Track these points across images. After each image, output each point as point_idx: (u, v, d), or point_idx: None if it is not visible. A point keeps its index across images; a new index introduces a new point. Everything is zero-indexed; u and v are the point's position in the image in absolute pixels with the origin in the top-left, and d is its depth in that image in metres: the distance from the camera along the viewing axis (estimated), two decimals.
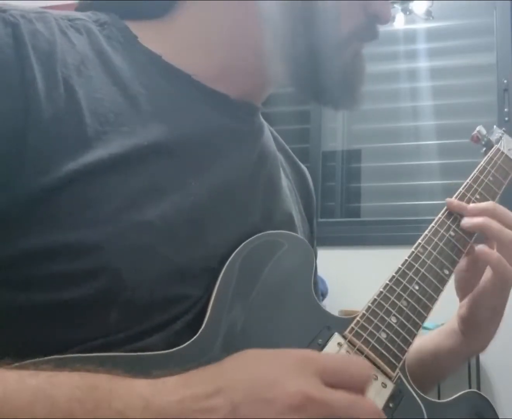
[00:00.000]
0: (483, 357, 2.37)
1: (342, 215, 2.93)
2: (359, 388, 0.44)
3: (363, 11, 0.62)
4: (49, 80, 0.51)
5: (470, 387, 2.31)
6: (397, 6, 2.83)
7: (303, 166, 0.80)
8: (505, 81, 2.69)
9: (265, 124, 0.70)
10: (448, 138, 2.73)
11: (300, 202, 0.75)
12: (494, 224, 0.68)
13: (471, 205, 0.71)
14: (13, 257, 0.48)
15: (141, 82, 0.57)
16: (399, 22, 2.85)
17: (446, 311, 0.76)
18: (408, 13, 2.83)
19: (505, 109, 2.66)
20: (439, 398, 0.60)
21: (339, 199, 2.93)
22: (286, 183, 0.70)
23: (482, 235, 0.71)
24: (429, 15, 2.75)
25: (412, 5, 2.79)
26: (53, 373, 0.42)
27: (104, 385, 0.42)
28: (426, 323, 0.62)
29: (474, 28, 2.84)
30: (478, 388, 2.28)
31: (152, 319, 0.51)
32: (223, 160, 0.60)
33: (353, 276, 2.54)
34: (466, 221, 0.70)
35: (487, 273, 0.68)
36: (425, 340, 0.75)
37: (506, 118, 2.64)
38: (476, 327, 0.72)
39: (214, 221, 0.56)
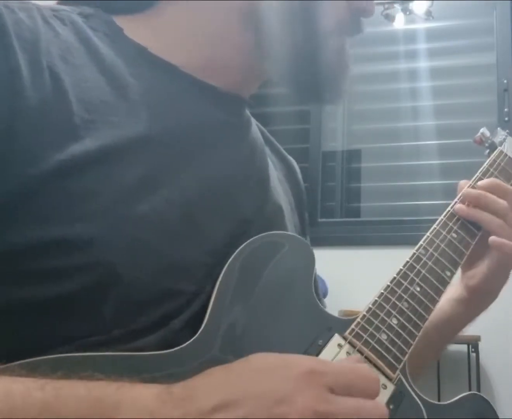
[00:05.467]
0: (483, 357, 2.37)
1: (342, 215, 2.93)
2: (368, 397, 0.44)
3: (347, 5, 0.62)
4: (34, 68, 0.50)
5: (470, 387, 2.31)
6: (397, 6, 2.83)
7: (291, 159, 0.80)
8: (505, 81, 2.69)
9: (251, 117, 0.70)
10: (448, 138, 2.74)
11: (290, 193, 0.75)
12: (485, 216, 0.72)
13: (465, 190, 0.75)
14: (3, 252, 0.47)
15: (129, 73, 0.56)
16: (399, 22, 2.85)
17: None
18: (408, 13, 2.82)
19: (505, 109, 2.66)
20: (439, 399, 0.60)
21: (339, 199, 2.93)
22: (275, 175, 0.70)
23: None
24: (429, 15, 2.75)
25: (412, 5, 2.79)
26: (59, 384, 0.41)
27: (110, 397, 0.41)
28: None
29: (474, 28, 2.84)
30: (478, 388, 2.28)
31: (147, 315, 0.50)
32: (214, 152, 0.59)
33: (353, 276, 2.54)
34: (459, 208, 0.74)
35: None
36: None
37: (506, 118, 2.64)
38: (487, 294, 0.77)
39: (206, 214, 0.56)
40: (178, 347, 0.49)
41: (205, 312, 0.53)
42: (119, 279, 0.48)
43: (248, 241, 0.57)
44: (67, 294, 0.47)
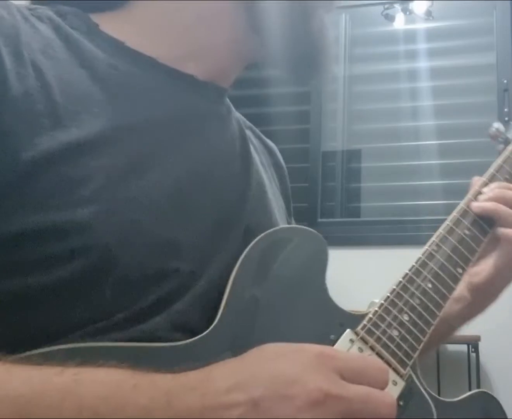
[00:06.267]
0: (483, 357, 2.37)
1: (342, 215, 2.93)
2: (377, 387, 0.45)
3: None
4: (17, 61, 0.51)
5: (470, 387, 2.32)
6: (397, 6, 2.83)
7: (271, 142, 0.82)
8: (505, 81, 2.69)
9: (231, 105, 0.71)
10: (448, 138, 2.74)
11: (274, 175, 0.76)
12: (503, 208, 0.71)
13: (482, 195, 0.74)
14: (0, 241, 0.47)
15: (108, 65, 0.58)
16: (399, 22, 2.86)
17: None
18: (408, 13, 2.83)
19: (505, 109, 2.66)
20: (438, 395, 0.60)
21: (339, 199, 2.93)
22: (257, 159, 0.71)
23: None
24: (429, 15, 2.75)
25: (412, 5, 2.80)
26: (77, 370, 0.42)
27: (128, 381, 0.42)
28: None
29: (474, 28, 2.85)
30: (478, 388, 2.28)
31: (148, 295, 0.51)
32: (196, 138, 0.61)
33: (353, 276, 2.54)
34: (477, 205, 0.72)
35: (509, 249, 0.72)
36: None
37: (506, 118, 2.64)
38: (490, 294, 0.76)
39: (193, 197, 0.57)
40: (192, 339, 0.50)
41: (209, 296, 0.54)
42: (115, 261, 0.49)
43: (261, 235, 0.58)
44: (64, 280, 0.48)
